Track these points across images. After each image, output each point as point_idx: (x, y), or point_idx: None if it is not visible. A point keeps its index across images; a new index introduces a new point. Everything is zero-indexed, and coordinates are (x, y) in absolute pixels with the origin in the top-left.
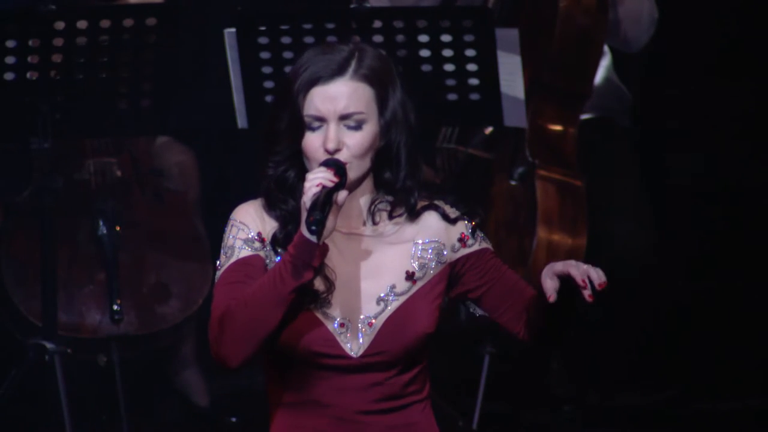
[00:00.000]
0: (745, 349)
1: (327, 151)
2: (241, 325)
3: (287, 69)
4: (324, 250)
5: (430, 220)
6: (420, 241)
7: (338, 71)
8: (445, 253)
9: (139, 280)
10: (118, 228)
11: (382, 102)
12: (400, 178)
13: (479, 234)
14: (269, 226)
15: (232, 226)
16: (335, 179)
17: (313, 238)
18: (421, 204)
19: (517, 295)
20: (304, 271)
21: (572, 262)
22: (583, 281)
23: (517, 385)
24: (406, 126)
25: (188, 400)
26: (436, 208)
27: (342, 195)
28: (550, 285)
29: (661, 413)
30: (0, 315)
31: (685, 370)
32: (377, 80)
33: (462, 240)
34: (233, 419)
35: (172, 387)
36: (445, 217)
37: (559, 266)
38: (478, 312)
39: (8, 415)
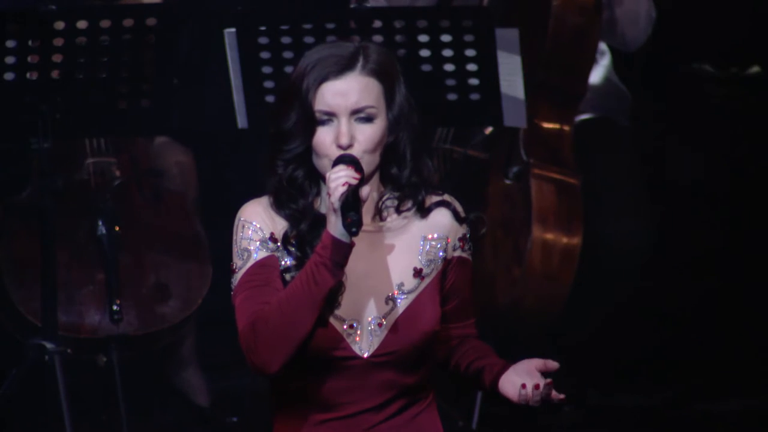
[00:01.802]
0: (745, 349)
1: (340, 146)
2: (277, 332)
3: (287, 69)
4: (352, 247)
5: (441, 216)
6: (429, 237)
7: (348, 66)
8: (447, 249)
9: (139, 280)
10: (117, 228)
11: (389, 97)
12: (406, 175)
13: (471, 245)
14: (279, 224)
15: (243, 226)
16: (357, 176)
17: (345, 239)
18: (432, 200)
19: (461, 320)
20: (337, 271)
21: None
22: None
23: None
24: (410, 121)
25: (188, 400)
26: (448, 206)
27: (365, 190)
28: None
29: (661, 413)
30: (0, 315)
31: (685, 370)
32: (385, 75)
33: (462, 241)
34: (234, 419)
35: (172, 387)
36: (456, 216)
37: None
38: None
39: (8, 415)
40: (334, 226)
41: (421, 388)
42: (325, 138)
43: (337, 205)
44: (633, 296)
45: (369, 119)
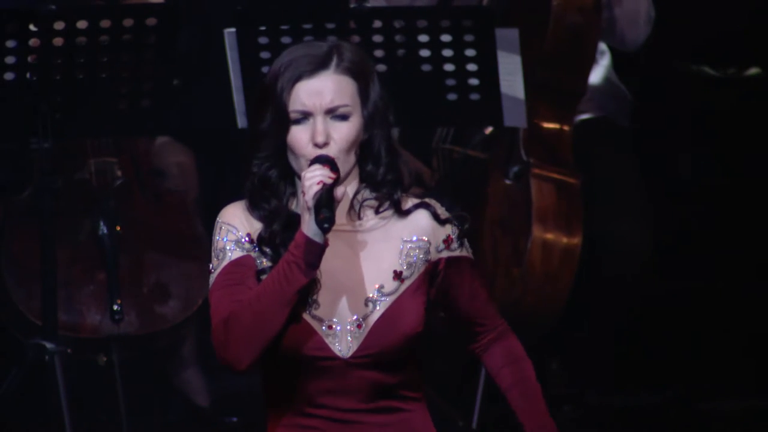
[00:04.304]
0: (745, 349)
1: (316, 144)
2: (247, 329)
3: None
4: (325, 247)
5: (420, 218)
6: (408, 239)
7: (321, 65)
8: (430, 251)
9: (139, 280)
10: (118, 228)
11: (364, 95)
12: (381, 172)
13: (464, 241)
14: (256, 226)
15: (220, 228)
16: (333, 175)
17: (318, 238)
18: (412, 201)
19: (480, 315)
20: (309, 271)
21: None
22: None
23: None
24: (385, 119)
25: (188, 400)
26: (428, 207)
27: (340, 191)
28: None
29: (661, 413)
30: (0, 315)
31: (685, 370)
32: (359, 73)
33: (447, 241)
34: (234, 419)
35: (172, 387)
36: (436, 217)
37: None
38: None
39: (8, 415)
40: (308, 226)
41: (409, 388)
42: (301, 137)
43: (311, 203)
44: (633, 296)
45: (344, 117)
